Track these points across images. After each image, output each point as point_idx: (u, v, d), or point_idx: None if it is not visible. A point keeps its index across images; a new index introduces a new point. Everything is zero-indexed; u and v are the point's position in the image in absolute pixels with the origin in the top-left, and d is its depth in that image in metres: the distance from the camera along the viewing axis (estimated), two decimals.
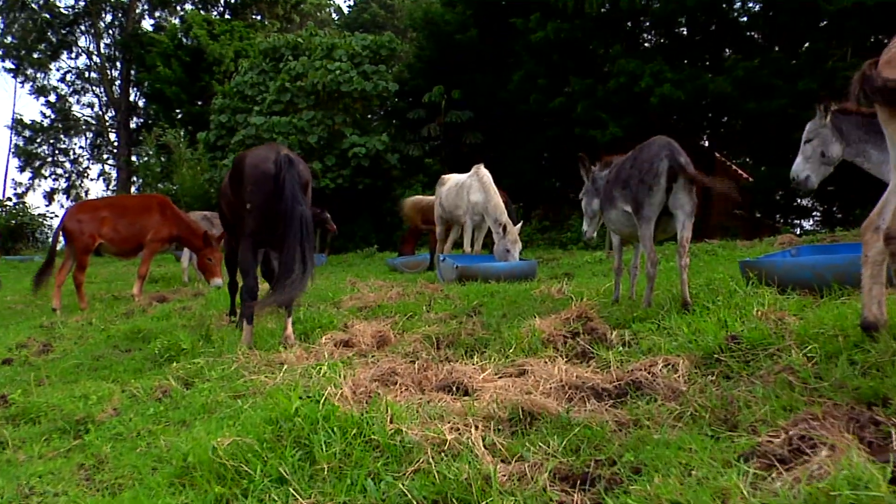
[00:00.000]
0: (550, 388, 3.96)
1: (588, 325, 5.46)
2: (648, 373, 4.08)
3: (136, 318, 9.88)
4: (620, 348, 4.88)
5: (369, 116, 31.03)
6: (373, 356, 5.55)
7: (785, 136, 23.65)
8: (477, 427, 3.36)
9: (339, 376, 4.43)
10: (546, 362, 4.65)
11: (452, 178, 12.54)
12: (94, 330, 9.22)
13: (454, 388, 4.15)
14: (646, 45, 27.64)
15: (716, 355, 4.23)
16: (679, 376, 4.04)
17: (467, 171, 13.55)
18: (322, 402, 3.48)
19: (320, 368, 4.80)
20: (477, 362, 4.95)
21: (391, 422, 3.32)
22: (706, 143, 28.30)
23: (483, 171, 11.68)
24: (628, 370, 4.19)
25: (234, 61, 35.61)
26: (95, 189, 68.17)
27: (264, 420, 3.45)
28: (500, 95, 27.15)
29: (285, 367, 5.29)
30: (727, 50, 26.54)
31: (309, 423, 3.27)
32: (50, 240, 11.98)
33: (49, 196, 53.87)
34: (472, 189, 11.57)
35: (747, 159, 28.86)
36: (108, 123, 52.95)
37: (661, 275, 8.11)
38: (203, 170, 30.97)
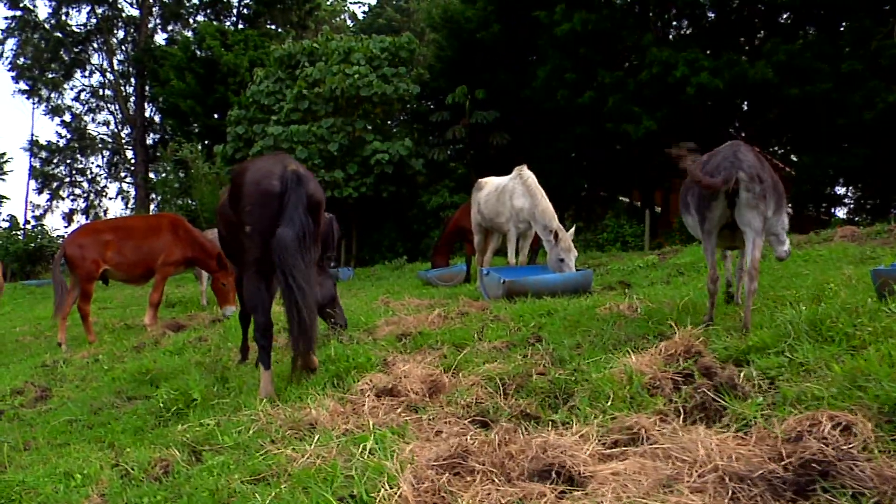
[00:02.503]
0: (698, 476, 2.78)
1: (700, 362, 4.28)
2: (820, 441, 2.91)
3: (147, 353, 8.83)
4: (759, 398, 3.69)
5: (390, 122, 30.03)
6: (426, 412, 4.40)
7: (829, 122, 22.37)
8: None
9: (392, 459, 3.28)
10: (663, 422, 3.50)
11: (492, 182, 11.35)
12: (99, 370, 8.18)
13: (553, 475, 2.98)
14: (678, 32, 26.37)
15: None
16: (863, 445, 2.87)
17: (495, 173, 12.37)
18: None
19: (364, 442, 3.63)
20: (567, 423, 3.80)
21: None
22: (742, 136, 27.02)
23: (527, 173, 10.48)
24: (790, 436, 3.02)
25: (249, 71, 34.54)
26: (114, 208, 67.83)
27: None
28: (525, 93, 26.04)
29: (317, 432, 4.16)
30: (761, 32, 25.26)
31: None
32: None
33: (68, 217, 53.24)
34: (515, 193, 10.37)
35: (788, 148, 27.44)
36: (124, 141, 52.26)
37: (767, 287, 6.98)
38: (222, 184, 30.02)
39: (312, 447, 3.74)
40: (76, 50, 49.58)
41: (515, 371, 5.00)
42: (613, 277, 11.48)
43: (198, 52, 38.90)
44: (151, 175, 46.90)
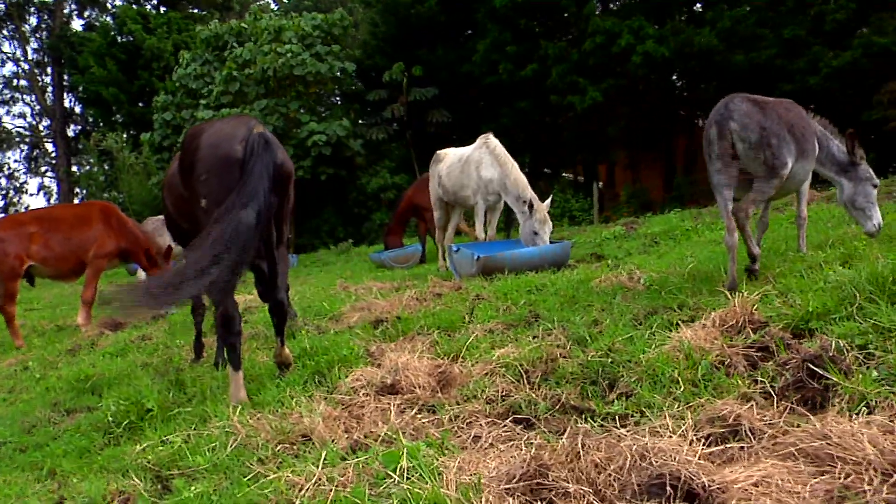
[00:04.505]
0: (880, 482, 2.07)
1: (771, 333, 3.59)
2: None
3: (84, 357, 7.83)
4: (873, 372, 3.00)
5: (325, 102, 28.93)
6: (445, 410, 3.61)
7: (775, 88, 22.17)
8: None
9: (442, 482, 2.49)
10: (763, 410, 2.79)
11: (453, 153, 10.52)
12: (30, 379, 7.14)
13: (668, 491, 2.23)
14: (622, 1, 25.93)
15: None
16: None
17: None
18: None
19: (395, 462, 2.79)
20: (630, 415, 3.08)
21: None
22: (684, 109, 26.80)
23: (494, 141, 9.69)
24: None
25: (173, 55, 32.85)
26: (36, 205, 64.49)
27: None
28: (465, 69, 25.35)
29: (314, 445, 3.34)
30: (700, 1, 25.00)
31: None
32: None
33: None
34: (482, 163, 9.57)
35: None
36: (43, 133, 49.62)
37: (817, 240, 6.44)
38: (150, 174, 28.56)
39: (320, 468, 2.91)
40: None
41: (534, 355, 4.25)
42: (583, 250, 10.85)
43: (118, 38, 37.03)
44: (74, 168, 44.75)
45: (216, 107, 24.96)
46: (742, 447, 2.67)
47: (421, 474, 2.66)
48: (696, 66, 22.45)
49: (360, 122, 27.28)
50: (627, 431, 2.88)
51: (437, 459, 2.83)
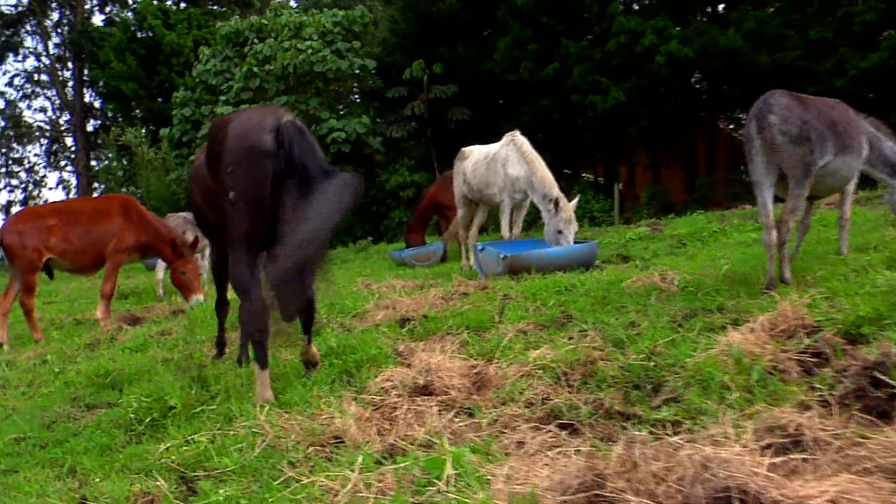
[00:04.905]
0: None
1: (825, 338, 3.43)
2: None
3: (103, 351, 7.73)
4: None
5: (345, 99, 28.83)
6: (483, 414, 3.46)
7: (800, 90, 21.86)
8: None
9: (489, 493, 2.33)
10: (823, 419, 2.63)
11: (479, 150, 10.37)
12: (49, 373, 7.03)
13: None
14: (645, 0, 25.68)
15: None
16: None
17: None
18: None
19: (438, 469, 2.64)
20: (677, 421, 2.93)
21: None
22: (705, 111, 26.53)
23: (521, 139, 9.53)
24: None
25: (193, 51, 32.79)
26: (55, 199, 64.93)
27: None
28: (486, 67, 25.13)
29: (347, 448, 3.20)
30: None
31: None
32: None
33: (6, 209, 50.54)
34: (509, 161, 9.41)
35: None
36: (63, 128, 49.89)
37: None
38: (168, 170, 28.57)
39: (357, 473, 2.76)
40: (7, 33, 46.98)
41: (571, 357, 4.11)
42: (608, 251, 10.67)
43: (139, 33, 37.05)
44: (93, 163, 44.90)
45: (236, 103, 24.88)
46: (805, 459, 2.51)
47: (468, 482, 2.51)
48: (720, 66, 22.17)
49: (378, 119, 27.12)
50: (680, 439, 2.72)
51: (483, 466, 2.67)
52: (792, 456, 2.52)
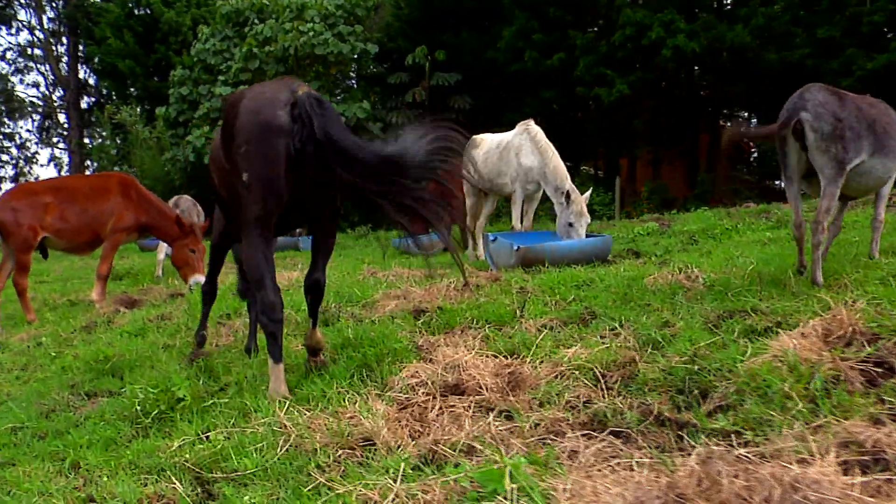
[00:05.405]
0: None
1: (885, 346, 3.21)
2: None
3: (100, 335, 7.44)
4: None
5: (342, 84, 28.49)
6: (523, 417, 3.22)
7: None
8: None
9: None
10: None
11: (491, 139, 10.10)
12: (44, 356, 6.76)
13: None
14: None
15: None
16: None
17: None
18: None
19: (494, 480, 2.37)
20: (737, 432, 2.70)
21: None
22: (710, 106, 26.33)
23: (535, 128, 9.29)
24: None
25: (192, 30, 32.35)
26: (46, 175, 64.21)
27: None
28: (489, 55, 24.89)
29: (379, 452, 2.95)
30: None
31: None
32: None
33: None
34: (522, 150, 9.16)
35: (754, 119, 26.91)
36: (56, 104, 49.24)
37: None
38: (163, 149, 28.17)
39: (398, 482, 2.52)
40: (0, 5, 46.32)
41: (606, 357, 3.87)
42: (617, 245, 10.41)
43: (136, 10, 36.44)
44: (87, 140, 44.28)
45: (234, 83, 24.57)
46: (889, 479, 2.29)
47: (532, 499, 2.26)
48: (727, 62, 21.99)
49: (380, 105, 26.83)
50: (749, 452, 2.49)
51: (543, 480, 2.43)
52: (875, 476, 2.30)
